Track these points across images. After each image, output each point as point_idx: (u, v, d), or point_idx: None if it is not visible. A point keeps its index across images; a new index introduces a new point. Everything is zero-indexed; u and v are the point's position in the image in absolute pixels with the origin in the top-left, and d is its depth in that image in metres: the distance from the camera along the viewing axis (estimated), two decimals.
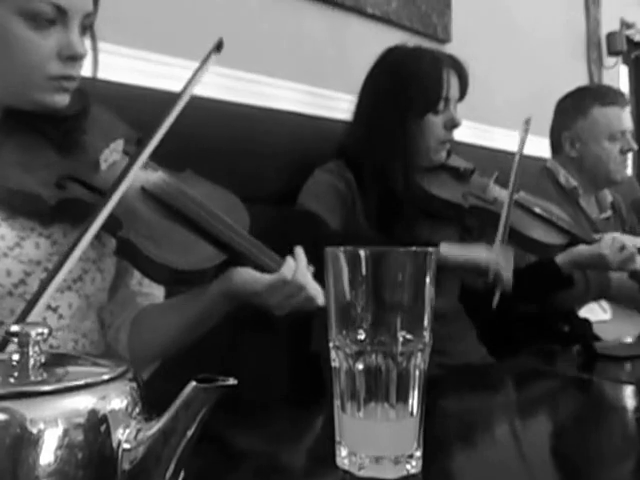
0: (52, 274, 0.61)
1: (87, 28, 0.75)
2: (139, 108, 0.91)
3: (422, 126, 1.25)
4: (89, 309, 0.76)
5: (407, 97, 1.24)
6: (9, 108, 0.74)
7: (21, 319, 0.58)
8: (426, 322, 0.52)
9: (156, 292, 0.85)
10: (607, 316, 1.37)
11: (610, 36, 2.85)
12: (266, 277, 0.75)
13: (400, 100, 1.24)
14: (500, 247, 1.18)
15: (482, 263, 1.15)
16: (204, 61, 0.74)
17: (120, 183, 0.66)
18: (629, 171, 1.73)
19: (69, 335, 0.73)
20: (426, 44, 1.37)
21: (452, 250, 1.14)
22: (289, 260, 0.77)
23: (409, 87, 1.24)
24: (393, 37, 1.77)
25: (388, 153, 1.24)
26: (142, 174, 0.76)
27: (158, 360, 0.81)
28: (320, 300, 0.76)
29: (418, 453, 0.52)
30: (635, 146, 1.63)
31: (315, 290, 0.77)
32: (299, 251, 0.80)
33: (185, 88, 0.72)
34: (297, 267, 0.77)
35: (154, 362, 0.80)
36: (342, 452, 0.52)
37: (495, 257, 1.16)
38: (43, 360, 0.36)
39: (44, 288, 0.60)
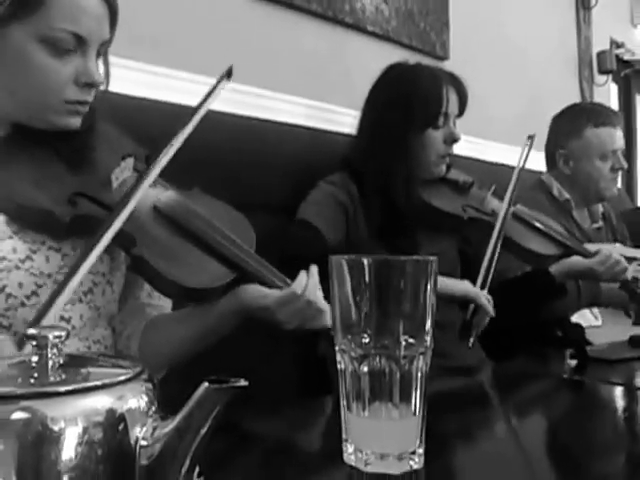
0: (61, 287, 0.60)
1: (102, 53, 0.76)
2: (146, 120, 0.91)
3: (423, 140, 1.25)
4: (100, 318, 0.76)
5: (408, 112, 1.24)
6: (20, 124, 0.74)
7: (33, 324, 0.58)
8: (427, 327, 0.52)
9: (164, 304, 0.85)
10: (598, 322, 1.37)
11: (600, 55, 2.86)
12: (276, 292, 0.74)
13: (402, 115, 1.24)
14: (480, 289, 1.17)
15: (469, 295, 1.13)
16: (214, 87, 0.73)
17: (128, 200, 0.65)
18: (619, 184, 1.73)
19: (81, 343, 0.73)
20: (425, 61, 1.37)
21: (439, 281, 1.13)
22: (302, 275, 0.77)
23: (410, 103, 1.24)
24: (393, 54, 1.78)
25: (390, 166, 1.24)
26: (153, 192, 0.76)
27: (167, 367, 0.80)
28: (328, 320, 0.75)
29: (420, 450, 0.52)
30: (625, 164, 1.63)
31: (324, 307, 0.76)
32: (313, 269, 0.78)
33: (195, 112, 0.71)
34: (308, 284, 0.76)
35: (163, 369, 0.80)
36: (349, 449, 0.52)
37: (477, 292, 1.15)
38: (61, 361, 0.36)
39: (52, 300, 0.59)
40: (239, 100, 1.37)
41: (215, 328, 0.78)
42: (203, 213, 0.79)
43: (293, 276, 0.77)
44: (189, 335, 0.79)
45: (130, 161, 0.77)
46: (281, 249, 0.95)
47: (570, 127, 1.62)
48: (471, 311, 1.14)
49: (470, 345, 1.15)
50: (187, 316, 0.81)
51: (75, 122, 0.74)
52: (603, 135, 1.59)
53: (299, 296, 0.74)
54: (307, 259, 0.92)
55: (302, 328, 0.76)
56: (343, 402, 0.53)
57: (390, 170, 1.24)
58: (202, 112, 0.72)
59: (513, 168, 1.33)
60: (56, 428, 0.31)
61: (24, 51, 0.69)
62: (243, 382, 0.35)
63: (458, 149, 1.33)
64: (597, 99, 2.75)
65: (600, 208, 1.73)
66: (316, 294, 0.76)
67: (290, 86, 1.53)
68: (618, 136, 1.61)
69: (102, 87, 0.77)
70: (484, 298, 1.14)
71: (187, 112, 0.72)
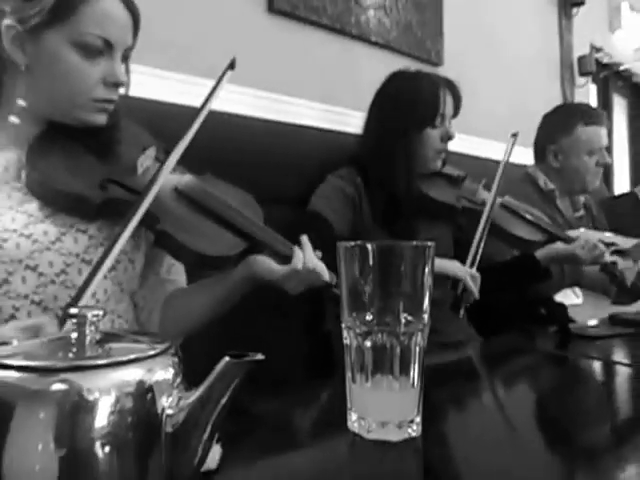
0: (97, 266, 0.60)
1: (125, 58, 0.76)
2: (161, 121, 0.91)
3: (422, 138, 1.24)
4: (122, 293, 0.76)
5: (409, 114, 1.23)
6: (53, 122, 0.74)
7: (73, 304, 0.58)
8: (425, 306, 0.51)
9: (180, 279, 0.85)
10: (579, 301, 1.35)
11: (581, 59, 2.81)
12: (280, 269, 0.75)
13: (403, 116, 1.23)
14: (470, 269, 1.15)
15: (458, 275, 1.13)
16: (220, 78, 0.73)
17: (152, 185, 0.66)
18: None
19: (107, 317, 0.73)
20: (421, 67, 1.36)
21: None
22: (297, 251, 0.77)
23: (411, 105, 1.23)
24: (393, 61, 1.76)
25: (392, 161, 1.23)
26: (173, 177, 0.76)
27: (184, 336, 0.81)
28: (325, 275, 0.77)
29: (418, 419, 0.51)
30: (609, 160, 1.60)
31: (321, 268, 0.77)
32: (304, 239, 0.80)
33: (205, 102, 0.72)
34: (304, 255, 0.77)
35: (181, 337, 0.81)
36: (352, 417, 0.52)
37: (466, 271, 1.14)
38: (98, 338, 0.36)
39: (90, 279, 0.59)
40: (257, 104, 1.36)
41: (230, 294, 0.79)
42: (217, 193, 0.80)
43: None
44: (208, 302, 0.80)
45: (152, 150, 0.78)
46: (293, 235, 0.96)
47: (562, 124, 1.60)
48: (461, 289, 1.13)
49: (460, 316, 1.15)
50: (205, 286, 0.82)
51: (102, 119, 0.74)
52: (592, 133, 1.56)
53: (300, 270, 0.75)
54: (317, 247, 0.92)
55: (306, 289, 0.78)
56: (348, 374, 0.52)
57: (392, 164, 1.23)
58: (212, 99, 0.72)
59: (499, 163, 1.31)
60: (91, 398, 0.31)
61: (58, 54, 0.69)
62: (260, 356, 0.35)
63: (452, 146, 1.32)
64: (578, 99, 2.71)
65: (582, 198, 1.70)
66: (313, 260, 0.77)
67: (302, 91, 1.52)
68: (604, 134, 1.58)
69: (123, 91, 0.76)
70: (470, 280, 1.13)
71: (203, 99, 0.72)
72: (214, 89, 0.72)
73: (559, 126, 1.60)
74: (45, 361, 0.32)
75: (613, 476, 0.45)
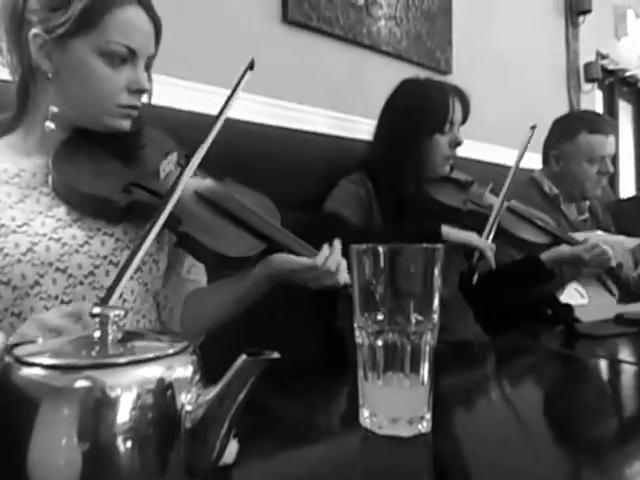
0: (125, 267, 0.60)
1: (148, 66, 0.76)
2: (179, 128, 0.91)
3: (431, 144, 1.23)
4: (147, 294, 0.77)
5: (419, 120, 1.22)
6: (79, 128, 0.74)
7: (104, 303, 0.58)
8: (435, 306, 0.51)
9: (201, 279, 0.85)
10: (585, 301, 1.33)
11: (587, 66, 2.77)
12: (301, 258, 0.75)
13: (413, 123, 1.23)
14: (486, 238, 1.16)
15: (473, 243, 1.12)
16: (240, 78, 0.72)
17: (175, 189, 0.66)
18: (604, 184, 1.66)
19: (132, 316, 0.73)
20: (431, 76, 1.35)
21: (451, 231, 1.12)
22: (325, 249, 0.77)
23: (421, 112, 1.23)
24: (404, 71, 1.75)
25: (402, 166, 1.23)
26: (194, 181, 0.76)
27: (205, 333, 0.81)
28: (345, 277, 0.76)
29: (428, 415, 0.51)
30: (612, 169, 1.56)
31: (344, 268, 0.76)
32: (337, 243, 0.78)
33: (226, 102, 0.71)
34: (330, 255, 0.76)
35: (201, 335, 0.80)
36: (364, 413, 0.51)
37: (484, 242, 1.14)
38: (120, 337, 0.36)
39: (118, 281, 0.59)
40: (271, 112, 1.36)
41: (249, 292, 0.78)
42: (236, 196, 0.80)
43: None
44: (229, 299, 0.79)
45: (174, 155, 0.78)
46: (310, 236, 0.96)
47: (565, 130, 1.57)
48: (476, 258, 1.13)
49: (474, 282, 1.15)
50: (225, 284, 0.81)
51: (126, 124, 0.74)
52: (594, 141, 1.53)
53: (319, 267, 0.74)
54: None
55: (321, 287, 0.77)
56: (360, 372, 0.52)
57: (402, 169, 1.23)
58: (232, 101, 0.71)
59: (508, 168, 1.30)
60: (113, 395, 0.31)
61: (85, 62, 0.69)
62: (276, 354, 0.35)
63: (460, 151, 1.30)
64: (584, 106, 2.67)
65: (587, 202, 1.67)
66: (340, 264, 0.76)
67: (315, 99, 1.52)
68: (609, 143, 1.53)
69: (145, 100, 0.76)
70: (489, 249, 1.13)
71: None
72: (235, 89, 0.71)
73: (563, 132, 1.58)
74: (69, 359, 0.32)
75: (619, 472, 0.44)
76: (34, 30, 0.68)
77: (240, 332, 0.79)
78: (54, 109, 0.72)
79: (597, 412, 0.61)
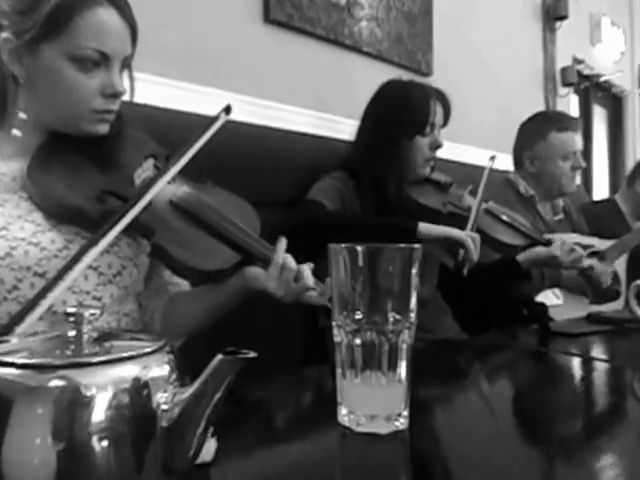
0: (69, 266, 0.57)
1: (125, 66, 0.74)
2: (166, 127, 0.90)
3: (412, 146, 1.24)
4: (128, 296, 0.76)
5: (401, 122, 1.23)
6: (55, 132, 0.72)
7: (34, 304, 0.54)
8: (412, 305, 0.51)
9: (184, 282, 0.84)
10: (559, 301, 1.36)
11: (563, 70, 2.83)
12: (265, 272, 0.73)
13: (395, 124, 1.23)
14: (472, 233, 1.18)
15: (454, 236, 1.13)
16: (213, 121, 0.72)
17: (142, 195, 0.64)
18: (578, 181, 1.71)
19: (111, 317, 0.72)
20: (411, 77, 1.36)
21: (432, 227, 1.13)
22: (278, 248, 0.74)
23: (403, 114, 1.23)
24: (385, 71, 1.76)
25: (384, 167, 1.23)
26: (171, 188, 0.74)
27: (185, 336, 0.80)
28: (320, 299, 0.74)
29: (405, 412, 0.51)
30: (584, 164, 1.61)
31: (309, 283, 0.73)
32: (281, 239, 0.76)
33: (197, 141, 0.70)
34: (284, 256, 0.74)
35: (182, 338, 0.80)
36: (343, 411, 0.52)
37: (465, 233, 1.15)
38: (95, 336, 0.35)
39: (50, 288, 0.55)
40: (253, 111, 1.36)
41: (225, 303, 0.77)
42: (214, 204, 0.77)
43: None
44: (204, 309, 0.78)
45: (150, 162, 0.76)
46: (288, 227, 0.95)
47: (536, 131, 1.61)
48: (462, 253, 1.15)
49: (465, 274, 1.17)
50: (202, 293, 0.80)
51: (103, 129, 0.73)
52: (565, 138, 1.57)
53: (282, 264, 0.72)
54: (313, 228, 0.88)
55: (299, 302, 0.75)
56: (338, 370, 0.52)
57: (384, 170, 1.23)
58: (203, 140, 0.70)
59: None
60: (88, 394, 0.31)
61: (55, 67, 0.67)
62: (253, 354, 0.35)
63: (440, 153, 1.32)
64: (560, 108, 2.72)
65: (561, 202, 1.71)
66: (292, 277, 0.73)
67: (296, 98, 1.52)
68: (577, 139, 1.59)
69: (127, 98, 0.75)
70: (470, 241, 1.14)
71: (203, 123, 0.71)
72: (205, 131, 0.71)
73: (534, 133, 1.61)
74: (43, 358, 0.32)
75: (589, 465, 0.45)
76: (4, 34, 0.66)
77: (222, 331, 0.78)
78: (22, 115, 0.70)
79: (569, 408, 0.62)
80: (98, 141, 0.73)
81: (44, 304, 0.54)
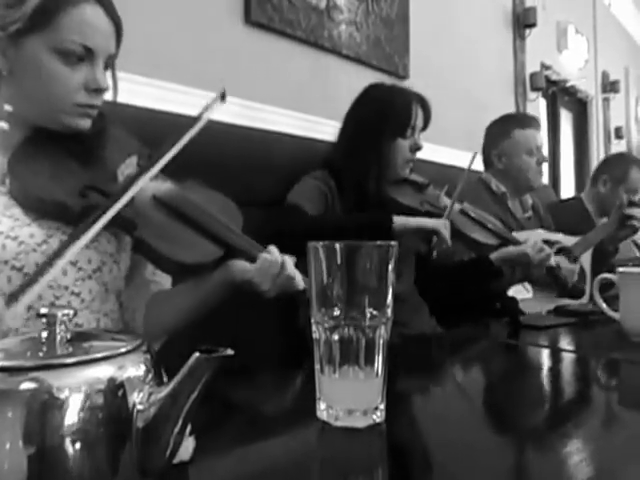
0: (49, 261, 0.54)
1: (109, 65, 0.72)
2: (147, 127, 0.88)
3: (393, 147, 1.24)
4: (107, 293, 0.73)
5: (383, 124, 1.23)
6: (37, 127, 0.70)
7: (14, 298, 0.51)
8: (389, 301, 0.51)
9: (165, 280, 0.82)
10: (529, 295, 1.38)
11: (533, 76, 2.88)
12: (252, 266, 0.72)
13: (377, 126, 1.23)
14: (444, 220, 1.19)
15: (429, 225, 1.15)
16: (207, 107, 0.70)
17: (125, 191, 0.62)
18: (545, 180, 1.75)
19: (92, 315, 0.70)
20: (389, 80, 1.36)
21: (406, 219, 1.14)
22: (267, 248, 0.74)
23: (385, 116, 1.23)
24: (363, 74, 1.76)
25: (365, 167, 1.23)
26: (153, 184, 0.72)
27: (167, 334, 0.78)
28: (300, 283, 0.73)
29: (382, 406, 0.51)
30: (547, 158, 1.67)
31: (294, 273, 0.73)
32: (273, 248, 0.75)
33: (191, 128, 0.68)
34: (273, 250, 0.74)
35: (163, 336, 0.78)
36: (321, 406, 0.51)
37: (438, 222, 1.17)
38: (69, 336, 0.34)
39: (36, 277, 0.53)
40: (234, 111, 1.34)
41: (208, 298, 0.75)
42: (196, 200, 0.76)
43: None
44: (187, 305, 0.76)
45: (134, 159, 0.74)
46: (268, 228, 0.94)
47: (501, 131, 1.65)
48: (435, 240, 1.18)
49: (434, 256, 1.21)
50: (185, 289, 0.78)
51: (85, 124, 0.71)
52: (528, 135, 1.62)
53: (270, 259, 0.72)
54: (293, 233, 0.88)
55: (280, 294, 0.74)
56: (317, 366, 0.51)
57: (365, 170, 1.23)
58: (197, 127, 0.68)
59: (461, 169, 1.33)
60: (61, 396, 0.29)
61: (38, 60, 0.66)
62: (229, 352, 0.33)
63: (419, 153, 1.32)
64: (529, 111, 2.77)
65: (530, 200, 1.74)
66: (283, 257, 0.73)
67: (277, 99, 1.51)
68: (539, 136, 1.65)
69: (110, 98, 0.73)
70: (443, 228, 1.15)
71: (188, 122, 0.69)
72: (199, 117, 0.69)
73: (499, 132, 1.65)
74: (14, 360, 0.30)
75: (557, 450, 0.45)
76: None
77: (202, 331, 0.76)
78: (8, 108, 0.68)
79: (539, 396, 0.63)
80: (81, 138, 0.71)
81: (24, 300, 0.52)
